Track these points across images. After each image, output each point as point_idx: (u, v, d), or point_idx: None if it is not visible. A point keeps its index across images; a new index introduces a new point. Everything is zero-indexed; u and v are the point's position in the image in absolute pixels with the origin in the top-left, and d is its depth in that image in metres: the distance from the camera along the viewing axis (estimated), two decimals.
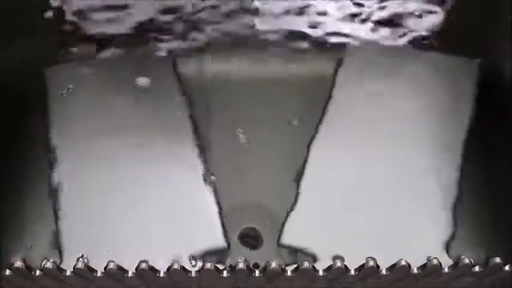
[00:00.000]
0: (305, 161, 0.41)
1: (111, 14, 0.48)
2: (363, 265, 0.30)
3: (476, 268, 0.31)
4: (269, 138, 0.43)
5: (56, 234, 0.37)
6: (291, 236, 0.38)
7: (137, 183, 0.39)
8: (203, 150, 0.41)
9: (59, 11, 0.48)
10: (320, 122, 0.42)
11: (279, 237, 0.38)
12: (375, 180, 0.40)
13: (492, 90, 0.43)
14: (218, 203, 0.39)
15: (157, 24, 0.48)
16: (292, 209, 0.39)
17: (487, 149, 0.41)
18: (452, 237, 0.38)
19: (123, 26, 0.48)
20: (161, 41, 0.47)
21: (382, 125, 0.42)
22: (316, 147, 0.41)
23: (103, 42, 0.47)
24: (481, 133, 0.42)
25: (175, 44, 0.47)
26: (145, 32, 0.47)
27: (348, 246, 0.37)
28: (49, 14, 0.48)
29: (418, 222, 0.38)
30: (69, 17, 0.48)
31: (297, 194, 0.39)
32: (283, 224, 0.38)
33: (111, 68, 0.45)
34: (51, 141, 0.41)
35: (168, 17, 0.48)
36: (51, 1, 0.48)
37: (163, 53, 0.46)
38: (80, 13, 0.48)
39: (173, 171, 0.40)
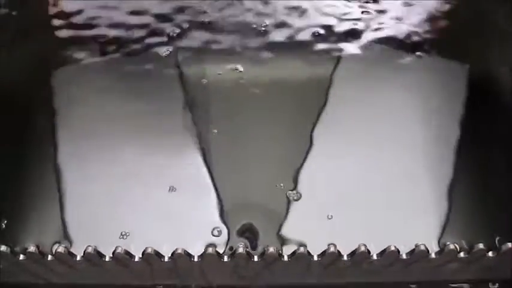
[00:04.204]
0: (303, 160, 0.41)
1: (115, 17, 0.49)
2: (354, 250, 0.32)
3: (462, 254, 0.32)
4: (269, 138, 0.43)
5: (63, 231, 0.39)
6: (289, 232, 0.39)
7: (140, 182, 0.40)
8: (204, 150, 0.42)
9: (65, 14, 0.49)
10: (318, 121, 0.43)
11: (278, 232, 0.39)
12: (372, 179, 0.41)
13: (483, 91, 0.45)
14: (219, 201, 0.40)
15: (160, 26, 0.49)
16: (291, 206, 0.40)
17: (481, 147, 0.42)
18: (443, 233, 0.38)
19: (126, 28, 0.49)
20: (164, 43, 0.48)
21: (379, 124, 0.43)
22: (315, 146, 0.42)
23: (107, 44, 0.48)
24: (475, 132, 0.43)
25: (178, 45, 0.48)
26: (149, 34, 0.48)
27: (345, 242, 0.37)
28: (54, 16, 0.49)
29: (412, 220, 0.39)
30: (74, 19, 0.49)
31: (297, 191, 0.40)
32: (283, 221, 0.39)
33: (115, 70, 0.46)
34: (56, 141, 0.42)
35: (171, 19, 0.49)
36: (56, 3, 0.50)
37: (166, 55, 0.47)
38: (84, 15, 0.49)
39: (175, 171, 0.41)
